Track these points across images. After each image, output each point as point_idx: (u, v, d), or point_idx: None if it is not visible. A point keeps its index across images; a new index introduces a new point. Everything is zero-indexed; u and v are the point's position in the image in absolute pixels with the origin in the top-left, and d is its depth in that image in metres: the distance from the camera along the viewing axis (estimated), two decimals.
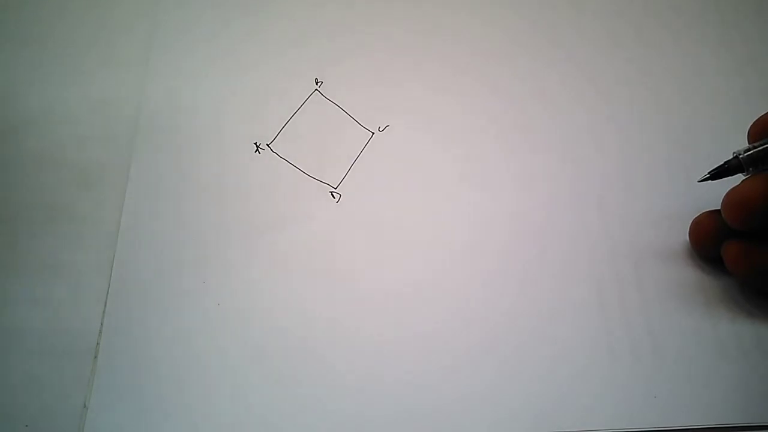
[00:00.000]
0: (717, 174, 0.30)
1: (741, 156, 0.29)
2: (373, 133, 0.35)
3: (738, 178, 0.30)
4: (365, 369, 0.29)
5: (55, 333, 0.30)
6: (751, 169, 0.29)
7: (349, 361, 0.30)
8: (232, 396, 0.29)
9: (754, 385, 0.29)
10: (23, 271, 0.31)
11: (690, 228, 0.31)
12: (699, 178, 0.30)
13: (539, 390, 0.29)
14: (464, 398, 0.29)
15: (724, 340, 0.30)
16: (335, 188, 0.34)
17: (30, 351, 0.30)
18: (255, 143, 0.35)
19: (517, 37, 0.38)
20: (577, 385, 0.29)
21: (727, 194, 0.29)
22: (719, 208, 0.29)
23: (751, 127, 0.30)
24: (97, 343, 0.30)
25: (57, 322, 0.30)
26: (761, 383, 0.29)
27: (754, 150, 0.29)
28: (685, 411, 0.28)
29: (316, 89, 0.36)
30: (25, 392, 0.29)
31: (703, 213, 0.31)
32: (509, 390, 0.29)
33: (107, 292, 0.31)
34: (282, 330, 0.30)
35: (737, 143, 0.30)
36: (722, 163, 0.30)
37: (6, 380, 0.29)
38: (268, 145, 0.35)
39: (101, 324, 0.30)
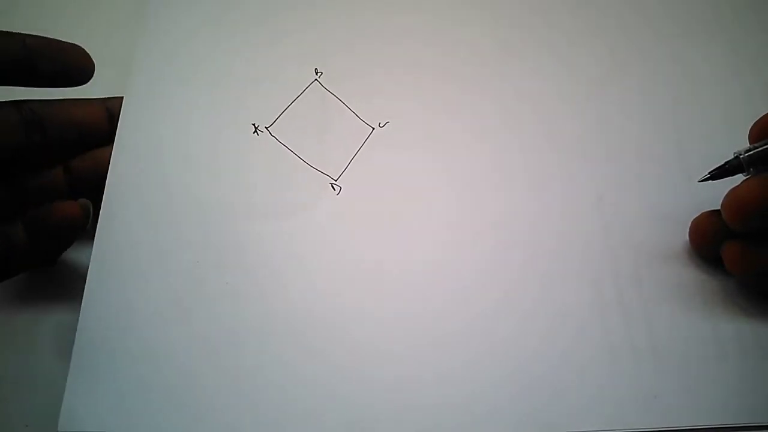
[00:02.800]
0: (717, 174, 0.30)
1: (742, 156, 0.29)
2: (373, 129, 0.35)
3: (738, 178, 0.30)
4: (364, 361, 0.29)
5: (55, 333, 0.30)
6: (751, 169, 0.29)
7: (347, 353, 0.30)
8: (228, 387, 0.29)
9: (753, 385, 0.29)
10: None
11: (690, 228, 0.32)
12: (699, 178, 0.30)
13: (539, 390, 0.29)
14: (463, 397, 0.29)
15: (724, 340, 0.30)
16: (336, 180, 0.34)
17: (30, 351, 0.30)
18: (253, 124, 0.34)
19: (519, 34, 0.37)
20: (577, 385, 0.29)
21: (727, 194, 0.29)
22: (719, 208, 0.29)
23: (752, 127, 0.30)
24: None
25: (57, 322, 0.30)
26: (761, 383, 0.29)
27: (755, 150, 0.29)
28: (685, 411, 0.29)
29: (316, 79, 0.36)
30: (25, 392, 0.29)
31: (703, 213, 0.31)
32: (509, 389, 0.29)
33: (87, 272, 0.30)
34: (277, 318, 0.30)
35: (738, 143, 0.30)
36: (723, 163, 0.30)
37: (6, 380, 0.29)
38: (267, 128, 0.34)
39: (81, 305, 0.30)
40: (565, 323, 0.30)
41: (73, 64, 0.31)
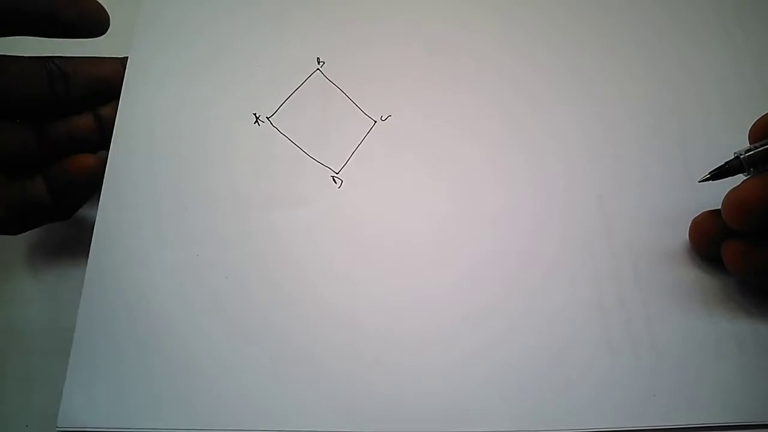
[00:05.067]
0: (718, 174, 0.30)
1: (742, 156, 0.29)
2: (375, 122, 0.35)
3: (738, 179, 0.30)
4: (362, 354, 0.29)
5: (55, 333, 0.30)
6: (751, 169, 0.29)
7: (344, 346, 0.30)
8: (221, 377, 0.29)
9: (753, 384, 0.29)
10: (23, 271, 0.31)
11: (690, 228, 0.32)
12: (699, 178, 0.30)
13: (538, 388, 0.29)
14: (461, 393, 0.29)
15: (724, 339, 0.30)
16: (337, 173, 0.33)
17: (30, 351, 0.30)
18: (254, 113, 0.34)
19: (522, 31, 0.37)
20: (577, 384, 0.29)
21: (728, 194, 0.29)
22: (719, 208, 0.29)
23: (752, 127, 0.30)
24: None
25: (56, 322, 0.30)
26: (760, 382, 0.29)
27: (755, 150, 0.29)
28: (685, 410, 0.29)
29: (318, 69, 0.35)
30: (25, 392, 0.29)
31: (703, 213, 0.31)
32: (508, 387, 0.29)
33: (86, 268, 0.30)
34: (276, 312, 0.30)
35: (738, 143, 0.30)
36: (723, 163, 0.30)
37: (6, 380, 0.29)
38: (268, 117, 0.34)
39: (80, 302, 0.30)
40: (565, 322, 0.30)
41: (92, 15, 0.32)
